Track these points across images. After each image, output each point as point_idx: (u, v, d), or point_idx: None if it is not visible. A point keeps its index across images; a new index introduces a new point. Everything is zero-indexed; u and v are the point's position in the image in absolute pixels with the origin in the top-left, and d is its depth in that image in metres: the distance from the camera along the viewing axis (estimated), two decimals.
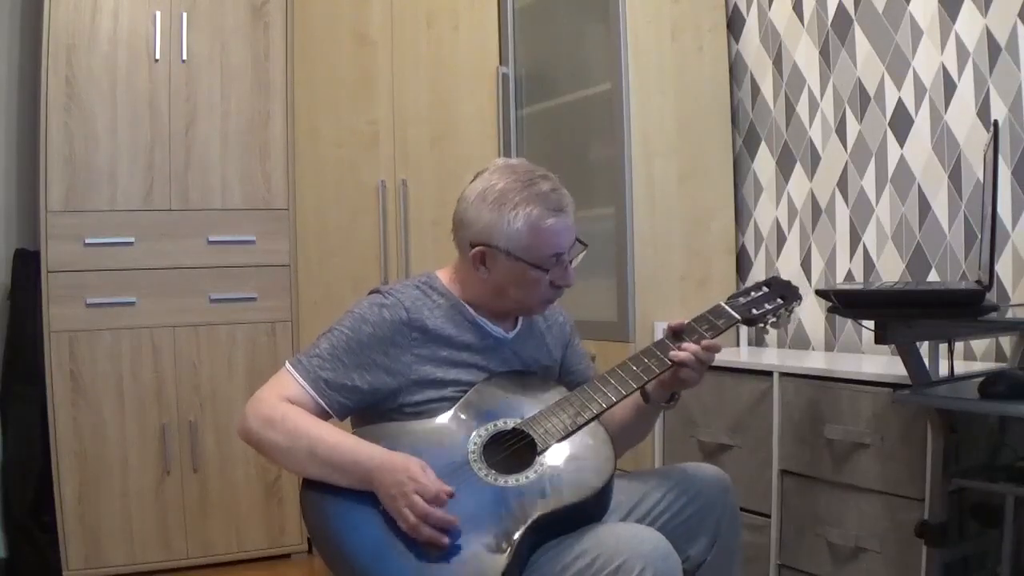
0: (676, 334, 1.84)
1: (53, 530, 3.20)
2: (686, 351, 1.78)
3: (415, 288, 1.86)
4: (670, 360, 1.79)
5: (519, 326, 1.93)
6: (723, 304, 1.90)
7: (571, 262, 1.84)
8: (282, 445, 1.71)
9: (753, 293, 1.93)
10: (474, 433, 1.75)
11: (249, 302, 3.45)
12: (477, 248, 1.80)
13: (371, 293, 1.86)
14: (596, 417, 1.76)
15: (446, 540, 1.58)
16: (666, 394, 1.87)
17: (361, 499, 1.66)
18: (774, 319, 1.90)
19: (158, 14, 3.31)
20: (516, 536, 1.59)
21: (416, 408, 1.79)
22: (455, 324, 1.84)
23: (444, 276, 1.90)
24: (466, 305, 1.86)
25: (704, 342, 1.80)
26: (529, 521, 1.61)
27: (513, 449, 1.74)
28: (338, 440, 1.70)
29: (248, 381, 3.41)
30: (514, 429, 1.75)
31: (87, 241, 3.23)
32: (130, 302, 3.29)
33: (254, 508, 3.45)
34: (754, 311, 1.89)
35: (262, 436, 1.73)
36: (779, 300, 1.92)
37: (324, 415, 1.77)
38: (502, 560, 1.56)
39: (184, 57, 3.35)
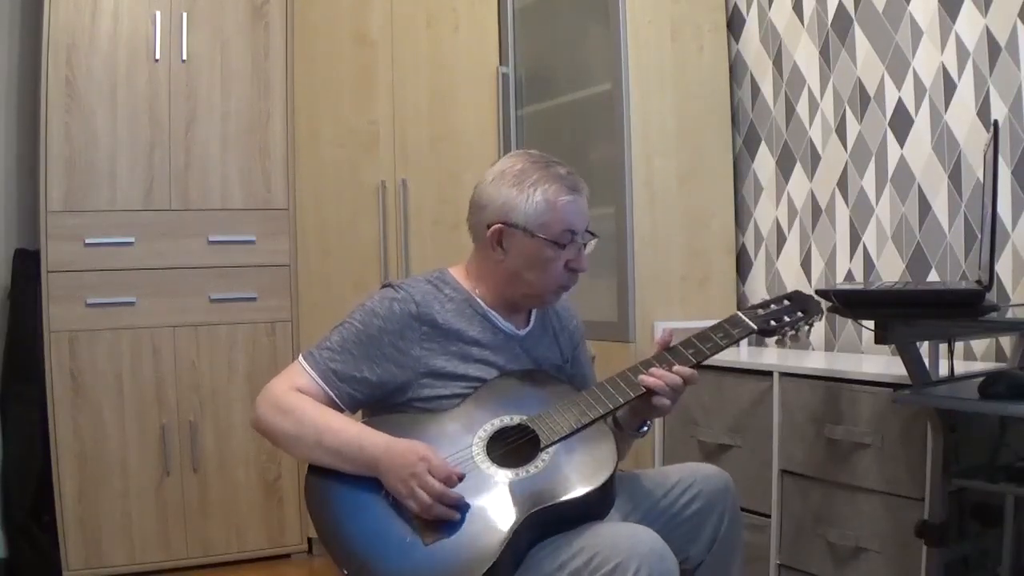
0: (687, 341, 1.85)
1: (53, 530, 3.20)
2: (666, 376, 1.77)
3: (427, 283, 1.87)
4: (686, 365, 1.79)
5: (532, 324, 1.93)
6: (740, 314, 1.90)
7: (584, 246, 1.86)
8: (291, 433, 1.76)
9: (773, 306, 1.92)
10: (480, 428, 1.76)
11: (249, 302, 3.45)
12: (495, 226, 1.82)
13: (384, 287, 1.88)
14: (602, 417, 1.76)
15: (457, 516, 1.62)
16: (637, 422, 1.87)
17: (362, 486, 1.70)
18: (792, 332, 1.90)
19: (158, 14, 3.31)
20: (510, 529, 1.60)
21: (425, 403, 1.80)
22: (466, 319, 1.85)
23: (456, 272, 1.91)
24: (478, 300, 1.87)
25: (687, 371, 1.79)
26: (525, 515, 1.62)
27: (517, 444, 1.75)
28: (344, 428, 1.74)
29: (248, 381, 3.41)
30: (519, 425, 1.76)
31: (87, 241, 3.23)
32: (130, 302, 3.29)
33: (254, 508, 3.45)
34: (772, 322, 1.89)
35: (272, 424, 1.78)
36: (799, 314, 1.91)
37: (335, 407, 1.80)
38: (495, 552, 1.58)
39: (184, 57, 3.36)
